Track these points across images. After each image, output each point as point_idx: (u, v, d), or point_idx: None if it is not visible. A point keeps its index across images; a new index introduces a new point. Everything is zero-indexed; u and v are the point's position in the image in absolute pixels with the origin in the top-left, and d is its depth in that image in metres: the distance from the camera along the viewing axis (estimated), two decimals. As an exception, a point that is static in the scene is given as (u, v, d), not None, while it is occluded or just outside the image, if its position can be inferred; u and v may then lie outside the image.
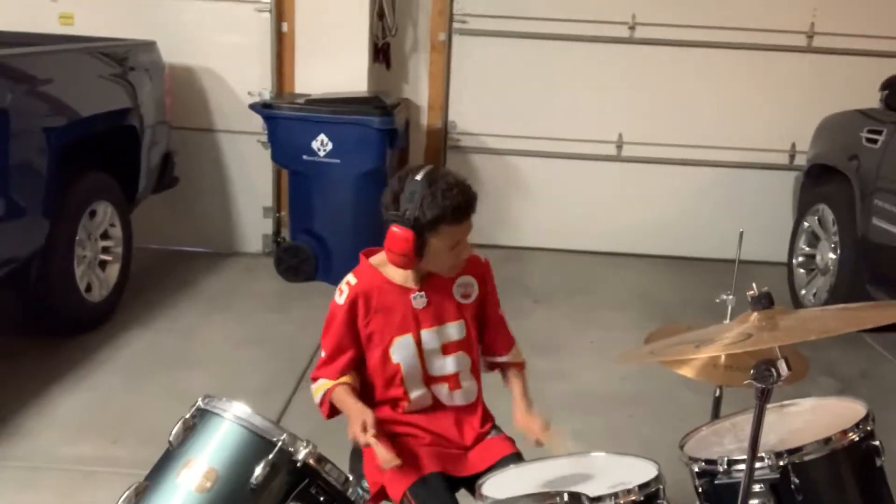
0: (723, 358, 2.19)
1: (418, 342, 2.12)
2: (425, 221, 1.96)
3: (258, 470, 1.64)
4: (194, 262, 5.22)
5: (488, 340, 2.26)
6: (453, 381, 2.17)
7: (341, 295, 2.10)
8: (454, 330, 2.16)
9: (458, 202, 1.96)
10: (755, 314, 1.73)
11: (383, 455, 1.94)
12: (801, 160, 5.48)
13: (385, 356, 2.12)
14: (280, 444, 1.68)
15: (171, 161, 4.87)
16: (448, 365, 2.16)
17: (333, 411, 2.13)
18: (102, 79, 4.23)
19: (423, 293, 2.11)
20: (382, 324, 2.10)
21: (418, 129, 5.79)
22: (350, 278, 2.12)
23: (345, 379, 2.10)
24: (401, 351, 2.11)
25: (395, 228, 1.98)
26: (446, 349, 2.15)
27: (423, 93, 5.79)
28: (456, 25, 5.64)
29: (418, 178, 1.97)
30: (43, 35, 4.62)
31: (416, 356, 2.13)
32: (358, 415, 2.00)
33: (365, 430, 1.95)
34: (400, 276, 2.11)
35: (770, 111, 5.66)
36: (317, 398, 2.14)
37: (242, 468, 1.65)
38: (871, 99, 4.67)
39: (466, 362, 2.19)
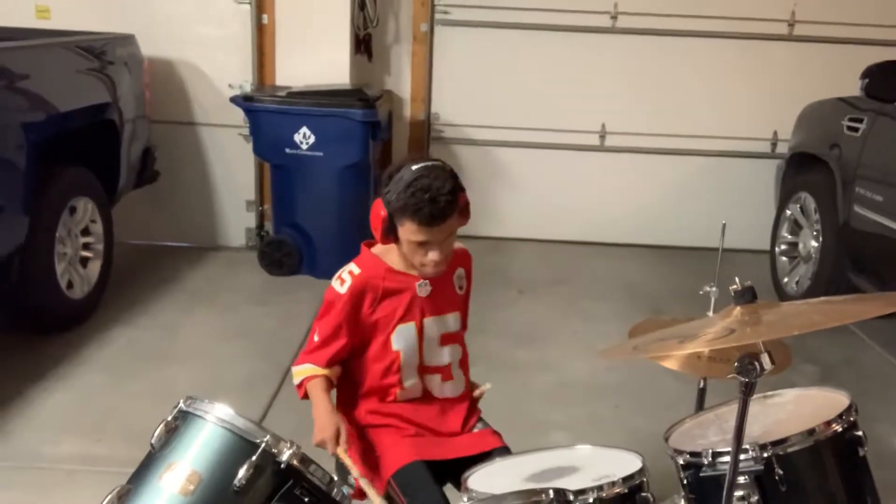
0: (706, 350, 2.19)
1: (420, 330, 2.12)
2: (393, 209, 1.98)
3: (241, 472, 1.63)
4: (176, 258, 5.18)
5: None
6: (446, 371, 2.19)
7: (343, 284, 2.09)
8: (452, 320, 2.18)
9: (419, 207, 1.93)
10: (738, 308, 1.73)
11: (352, 469, 1.95)
12: (782, 148, 5.51)
13: (386, 343, 2.11)
14: (263, 445, 1.67)
15: (151, 155, 4.83)
16: (444, 355, 2.18)
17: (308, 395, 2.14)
18: (80, 73, 4.18)
19: (426, 281, 2.12)
20: (388, 310, 2.10)
21: (401, 121, 5.76)
22: (353, 268, 2.11)
23: (327, 372, 2.10)
24: (402, 338, 2.11)
25: (378, 203, 2.02)
26: (444, 339, 2.17)
27: (405, 84, 5.76)
28: (438, 16, 5.62)
29: (413, 167, 1.97)
30: (19, 29, 4.55)
31: (416, 344, 2.13)
32: (329, 422, 2.00)
33: (337, 441, 1.97)
34: (403, 264, 2.11)
35: (752, 100, 5.68)
36: (297, 380, 2.13)
37: (225, 470, 1.64)
38: (853, 87, 4.67)
39: (458, 354, 2.21)
